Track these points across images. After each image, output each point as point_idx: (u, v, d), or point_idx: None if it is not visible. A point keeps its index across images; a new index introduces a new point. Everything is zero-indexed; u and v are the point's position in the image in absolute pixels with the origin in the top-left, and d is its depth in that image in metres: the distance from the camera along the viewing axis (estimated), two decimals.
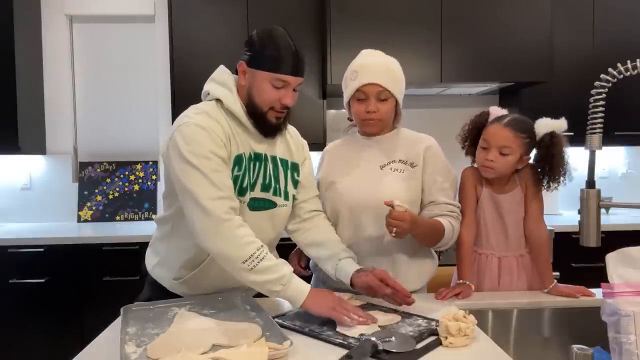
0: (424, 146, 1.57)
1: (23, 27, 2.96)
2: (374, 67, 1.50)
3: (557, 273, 2.60)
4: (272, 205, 1.46)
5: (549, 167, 1.52)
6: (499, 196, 1.59)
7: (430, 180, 1.54)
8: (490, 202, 1.59)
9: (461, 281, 1.54)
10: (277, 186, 1.46)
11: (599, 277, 1.06)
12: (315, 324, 1.25)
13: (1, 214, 3.20)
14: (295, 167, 1.52)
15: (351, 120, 1.64)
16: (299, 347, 1.11)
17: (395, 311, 1.35)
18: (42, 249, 2.62)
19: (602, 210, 1.13)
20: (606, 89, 1.06)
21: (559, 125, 1.51)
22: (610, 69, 1.05)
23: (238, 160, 1.37)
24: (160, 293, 1.49)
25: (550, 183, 1.54)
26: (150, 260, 1.54)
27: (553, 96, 2.98)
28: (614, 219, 3.01)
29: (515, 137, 1.50)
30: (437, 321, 1.25)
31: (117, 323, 1.29)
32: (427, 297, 1.52)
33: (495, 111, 1.61)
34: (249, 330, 1.18)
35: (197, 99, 1.46)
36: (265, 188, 1.43)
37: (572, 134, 1.52)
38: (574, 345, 0.97)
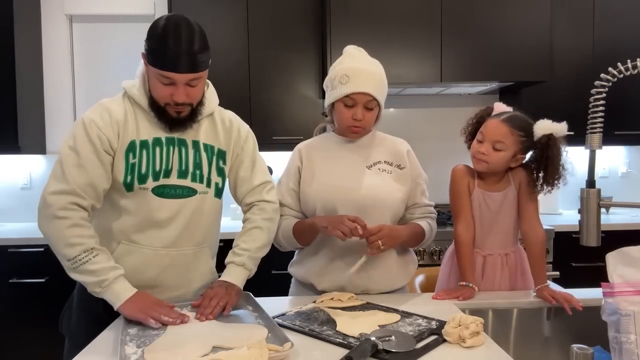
0: (405, 149, 1.62)
1: (23, 27, 2.96)
2: (365, 74, 1.48)
3: (557, 273, 2.62)
4: (191, 192, 1.42)
5: (544, 169, 1.50)
6: (490, 194, 1.56)
7: (414, 184, 1.59)
8: (479, 201, 1.57)
9: (464, 283, 1.52)
10: (199, 172, 1.42)
11: (599, 276, 1.06)
12: (315, 324, 1.25)
13: (1, 214, 3.20)
14: (221, 155, 1.47)
15: (325, 115, 1.63)
16: (299, 347, 1.10)
17: (395, 311, 1.35)
18: (42, 249, 2.61)
19: (602, 210, 1.13)
20: (606, 89, 1.06)
21: (559, 128, 1.47)
22: (610, 69, 1.05)
23: (131, 147, 1.35)
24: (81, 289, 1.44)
25: (544, 185, 1.51)
26: None
27: (553, 96, 2.98)
28: (614, 218, 3.01)
29: (511, 134, 1.49)
30: (437, 321, 1.25)
31: (118, 323, 1.28)
32: (426, 297, 1.52)
33: (499, 107, 1.59)
34: (254, 331, 1.17)
35: None
36: (182, 175, 1.40)
37: (572, 133, 1.51)
38: (574, 345, 0.97)
